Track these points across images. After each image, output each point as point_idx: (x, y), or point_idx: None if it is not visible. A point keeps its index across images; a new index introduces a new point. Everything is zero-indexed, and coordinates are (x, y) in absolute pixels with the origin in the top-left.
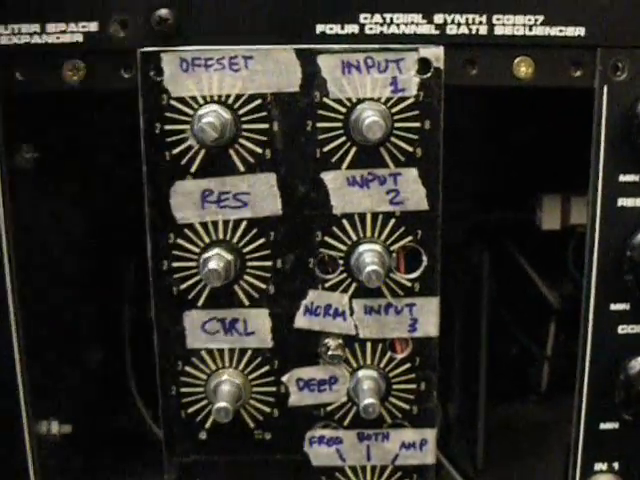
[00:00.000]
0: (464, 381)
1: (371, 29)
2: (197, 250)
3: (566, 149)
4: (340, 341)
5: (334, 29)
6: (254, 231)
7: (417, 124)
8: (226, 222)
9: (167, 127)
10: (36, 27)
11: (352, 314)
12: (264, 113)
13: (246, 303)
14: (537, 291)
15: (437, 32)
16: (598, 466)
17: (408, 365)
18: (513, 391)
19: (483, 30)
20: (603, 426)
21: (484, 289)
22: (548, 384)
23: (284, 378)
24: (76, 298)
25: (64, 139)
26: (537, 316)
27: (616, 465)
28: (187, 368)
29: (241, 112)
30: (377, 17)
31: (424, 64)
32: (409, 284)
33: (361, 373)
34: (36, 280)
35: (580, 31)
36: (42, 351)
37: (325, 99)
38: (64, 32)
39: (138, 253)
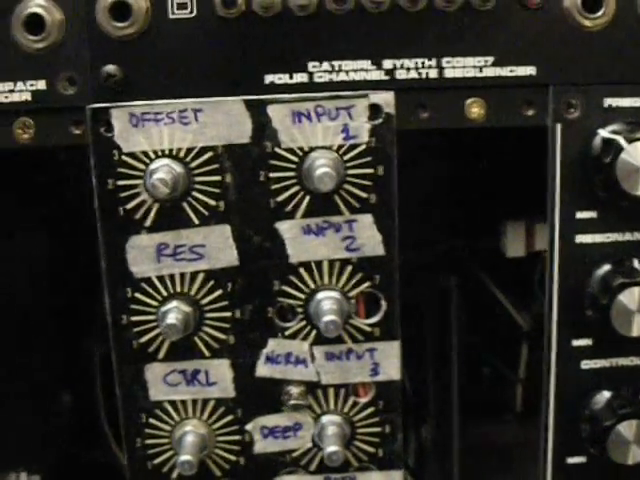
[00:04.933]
0: (438, 404)
1: (320, 77)
2: (155, 304)
3: (530, 177)
4: (302, 388)
5: (283, 79)
6: (211, 283)
7: (370, 170)
8: (183, 275)
9: (120, 182)
10: None
11: (313, 361)
12: (216, 165)
13: (207, 354)
14: (507, 314)
15: (387, 77)
16: None
17: (372, 409)
18: (488, 412)
19: (433, 73)
20: (570, 460)
21: (453, 314)
22: (522, 404)
23: (248, 427)
24: (43, 341)
25: (28, 188)
26: (508, 339)
27: None
28: (151, 420)
29: (193, 165)
30: (325, 65)
31: (375, 110)
32: (369, 329)
33: (325, 419)
34: (1, 328)
35: (531, 70)
36: (8, 400)
37: (277, 149)
38: (12, 91)
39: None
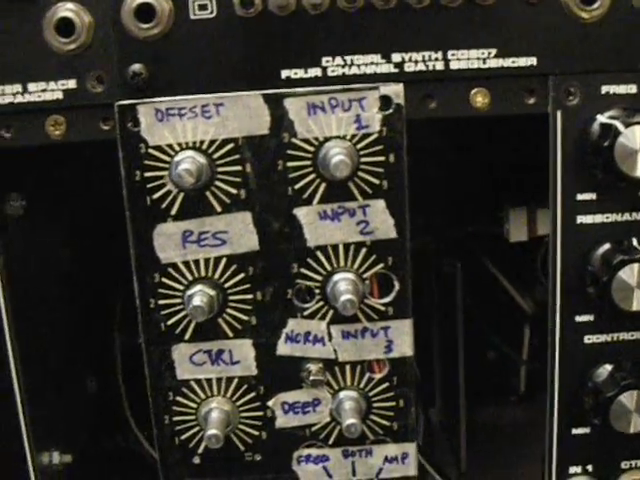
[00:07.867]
0: (445, 387)
1: (333, 71)
2: (181, 287)
3: (531, 165)
4: (321, 365)
5: (298, 73)
6: (234, 267)
7: (382, 158)
8: (207, 260)
9: (146, 174)
10: (18, 87)
11: (331, 339)
12: (237, 156)
13: (230, 334)
14: (511, 299)
15: (396, 70)
16: (573, 469)
17: (386, 384)
18: (493, 394)
19: (439, 66)
20: (575, 431)
21: (458, 299)
22: (526, 386)
23: (270, 403)
24: (70, 332)
25: (52, 186)
26: (512, 322)
27: (590, 467)
28: (178, 398)
29: (215, 156)
30: (338, 59)
31: (385, 101)
32: (383, 308)
33: (342, 394)
34: (31, 319)
35: (532, 61)
36: (41, 385)
37: (294, 139)
38: (45, 90)
39: (126, 286)
